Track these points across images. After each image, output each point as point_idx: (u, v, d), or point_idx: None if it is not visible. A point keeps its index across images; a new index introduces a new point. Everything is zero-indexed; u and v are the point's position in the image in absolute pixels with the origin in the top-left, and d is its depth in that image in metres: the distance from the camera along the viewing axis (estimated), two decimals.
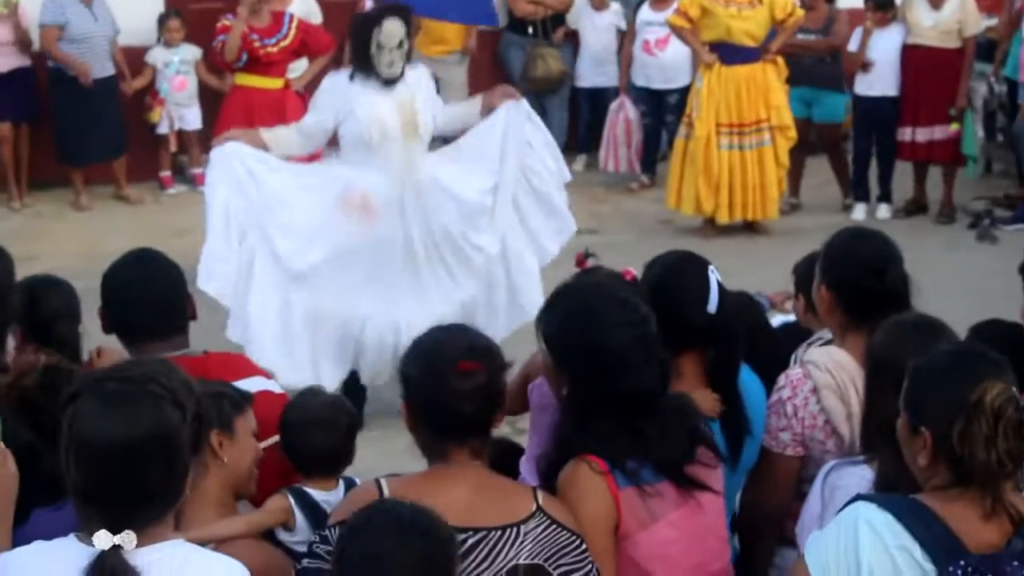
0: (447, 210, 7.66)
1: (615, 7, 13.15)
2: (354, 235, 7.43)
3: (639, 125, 12.85)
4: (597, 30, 13.15)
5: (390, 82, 7.46)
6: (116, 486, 2.66)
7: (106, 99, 11.94)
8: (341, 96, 7.46)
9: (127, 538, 2.65)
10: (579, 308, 3.53)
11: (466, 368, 3.28)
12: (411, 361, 3.38)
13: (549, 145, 7.85)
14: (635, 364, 3.43)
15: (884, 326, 3.66)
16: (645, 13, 12.60)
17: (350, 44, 7.71)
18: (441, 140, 8.21)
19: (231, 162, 7.25)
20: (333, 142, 7.71)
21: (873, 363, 3.64)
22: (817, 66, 11.87)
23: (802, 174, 12.20)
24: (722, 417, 3.87)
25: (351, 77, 7.50)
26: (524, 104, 7.82)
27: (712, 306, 3.90)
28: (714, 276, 3.94)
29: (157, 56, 12.38)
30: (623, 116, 12.85)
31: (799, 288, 4.88)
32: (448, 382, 3.27)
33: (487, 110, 7.76)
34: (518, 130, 7.72)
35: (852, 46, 11.83)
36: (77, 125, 11.76)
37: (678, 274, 3.97)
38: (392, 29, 7.39)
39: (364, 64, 7.46)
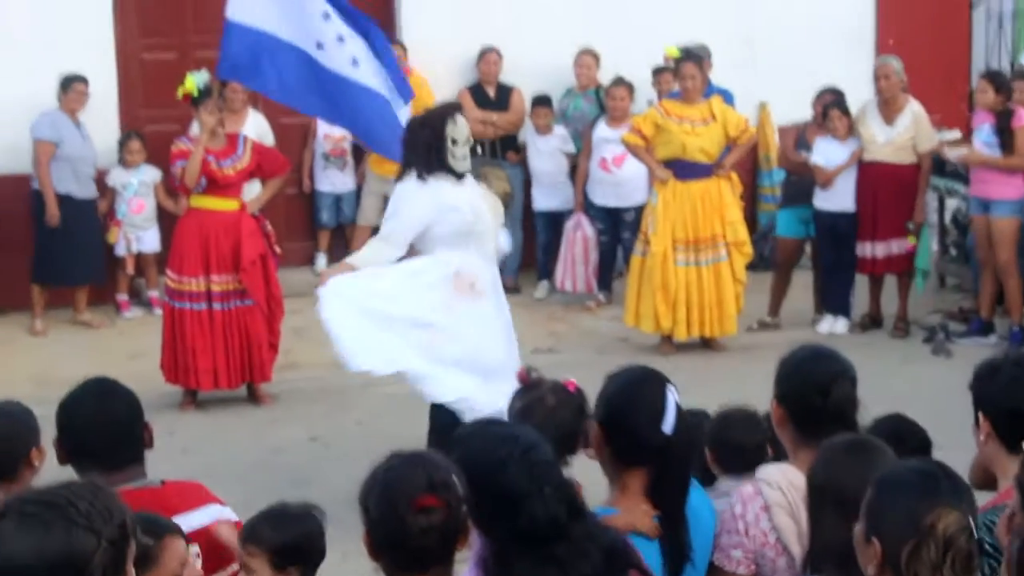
0: None
1: (559, 131, 13.10)
2: (464, 315, 7.81)
3: (596, 243, 12.87)
4: (542, 155, 13.11)
5: (461, 176, 7.86)
6: None
7: (90, 222, 11.93)
8: (429, 198, 7.76)
9: None
10: (465, 458, 3.44)
11: (424, 505, 3.23)
12: (369, 494, 3.32)
13: None
14: (529, 495, 3.34)
15: (820, 449, 3.66)
16: (601, 130, 12.67)
17: (415, 144, 7.89)
18: None
19: (342, 290, 7.62)
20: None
21: (810, 486, 3.62)
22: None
23: (786, 294, 12.11)
24: (662, 538, 3.78)
25: (420, 178, 7.78)
26: None
27: (668, 426, 3.82)
28: (672, 396, 3.86)
29: (116, 177, 12.36)
30: (580, 235, 12.88)
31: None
32: (406, 520, 3.23)
33: None
34: None
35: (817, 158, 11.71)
36: (59, 248, 11.66)
37: (635, 390, 3.90)
38: (463, 124, 7.88)
39: (439, 161, 7.79)
